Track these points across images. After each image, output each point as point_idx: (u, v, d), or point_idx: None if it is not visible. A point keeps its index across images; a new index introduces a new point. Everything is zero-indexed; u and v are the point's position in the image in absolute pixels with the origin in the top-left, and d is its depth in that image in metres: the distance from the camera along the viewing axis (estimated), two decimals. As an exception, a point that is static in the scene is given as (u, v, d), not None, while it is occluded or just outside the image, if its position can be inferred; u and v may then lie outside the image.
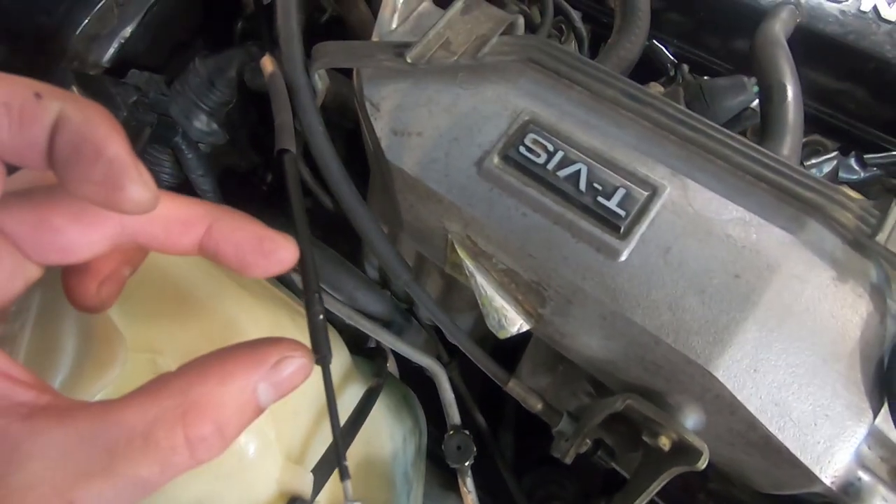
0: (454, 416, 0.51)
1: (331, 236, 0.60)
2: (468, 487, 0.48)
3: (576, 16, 0.54)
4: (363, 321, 0.52)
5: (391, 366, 0.60)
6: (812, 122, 0.58)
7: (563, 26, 0.59)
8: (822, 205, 0.31)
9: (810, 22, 0.51)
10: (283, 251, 0.24)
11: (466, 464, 0.47)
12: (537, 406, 0.42)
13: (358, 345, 0.59)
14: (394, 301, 0.57)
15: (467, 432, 0.48)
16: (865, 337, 0.30)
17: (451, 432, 0.48)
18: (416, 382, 0.59)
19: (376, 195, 0.50)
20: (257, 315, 0.32)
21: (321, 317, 0.25)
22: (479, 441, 0.60)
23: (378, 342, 0.57)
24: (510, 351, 0.48)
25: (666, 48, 0.59)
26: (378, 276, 0.60)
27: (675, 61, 0.56)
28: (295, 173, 0.31)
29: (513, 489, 0.59)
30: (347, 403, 0.40)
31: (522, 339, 0.46)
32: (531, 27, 0.56)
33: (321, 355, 0.24)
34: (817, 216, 0.31)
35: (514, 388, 0.42)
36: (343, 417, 0.40)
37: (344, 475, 0.22)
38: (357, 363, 0.49)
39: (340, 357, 0.43)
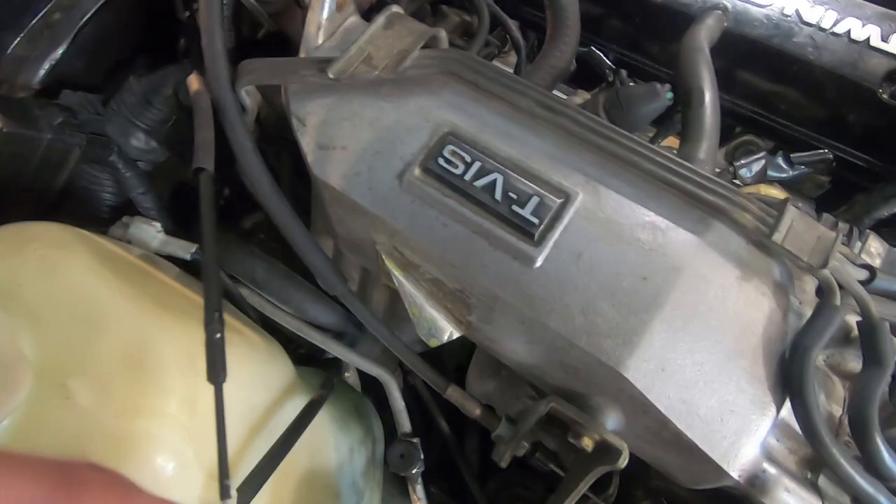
0: (404, 423, 0.51)
1: (291, 250, 0.60)
2: (418, 495, 0.49)
3: (514, 25, 0.55)
4: (311, 332, 0.52)
5: (352, 375, 0.61)
6: (747, 123, 0.60)
7: (508, 36, 0.60)
8: (725, 207, 0.32)
9: (737, 26, 0.52)
10: None
11: (414, 471, 0.47)
12: (475, 412, 0.42)
13: (315, 356, 0.59)
14: (346, 312, 0.57)
15: (415, 440, 0.48)
16: (768, 333, 0.31)
17: (396, 442, 0.48)
18: (379, 392, 0.59)
19: (318, 209, 0.50)
20: (175, 333, 0.32)
21: (218, 335, 0.25)
22: (444, 447, 0.60)
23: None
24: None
25: (606, 55, 0.60)
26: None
27: (614, 67, 0.57)
28: (209, 191, 0.31)
29: (475, 492, 0.59)
30: (287, 416, 0.40)
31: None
32: (471, 36, 0.57)
33: (215, 374, 0.24)
34: (722, 218, 0.32)
35: (452, 394, 0.42)
36: (281, 431, 0.40)
37: (224, 495, 0.22)
38: (305, 375, 0.49)
39: (281, 369, 0.43)
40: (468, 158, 0.35)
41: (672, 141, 0.53)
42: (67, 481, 0.15)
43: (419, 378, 0.58)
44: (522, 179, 0.34)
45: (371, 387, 0.60)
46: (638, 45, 0.61)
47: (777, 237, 0.30)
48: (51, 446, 0.27)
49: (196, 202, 0.60)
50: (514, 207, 0.33)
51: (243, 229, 0.61)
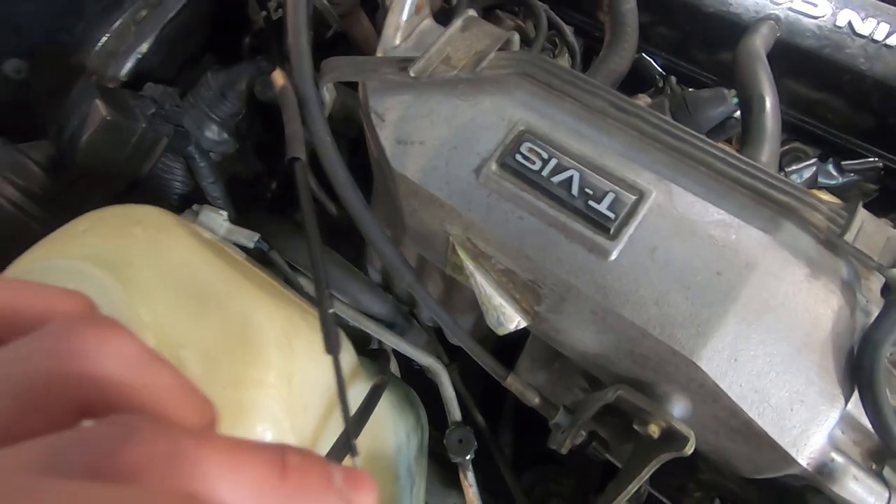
0: (455, 412, 0.53)
1: (334, 241, 0.62)
2: (469, 481, 0.50)
3: (568, 30, 0.57)
4: (368, 322, 0.54)
5: (392, 367, 0.62)
6: (793, 131, 0.61)
7: (557, 40, 0.62)
8: (796, 207, 0.33)
9: (789, 36, 0.54)
10: None
11: (468, 457, 0.49)
12: (534, 400, 0.44)
13: (360, 346, 0.61)
14: (396, 303, 0.59)
15: (469, 427, 0.50)
16: (837, 329, 0.32)
17: (453, 427, 0.50)
18: (416, 384, 0.61)
19: (380, 201, 0.52)
20: (271, 311, 0.34)
21: (331, 311, 0.27)
22: (479, 440, 0.62)
23: (380, 344, 0.59)
24: (508, 350, 0.50)
25: (654, 60, 0.62)
26: (381, 279, 0.62)
27: (664, 73, 0.59)
28: (305, 181, 0.33)
29: (512, 486, 0.61)
30: (353, 400, 0.42)
31: (520, 339, 0.48)
32: (526, 41, 0.59)
33: (331, 346, 0.26)
34: (792, 218, 0.34)
35: (512, 383, 0.44)
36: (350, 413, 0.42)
37: (354, 454, 0.24)
38: (361, 363, 0.51)
39: (347, 355, 0.45)
40: (545, 155, 0.36)
41: (725, 146, 0.54)
42: (282, 462, 0.16)
43: (455, 371, 0.59)
44: (598, 176, 0.35)
45: (408, 379, 0.62)
46: (685, 51, 0.62)
47: (849, 237, 0.32)
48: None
49: (244, 194, 0.63)
50: (591, 203, 0.35)
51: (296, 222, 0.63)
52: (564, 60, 0.62)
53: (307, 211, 0.31)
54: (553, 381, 0.49)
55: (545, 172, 0.36)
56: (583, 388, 0.48)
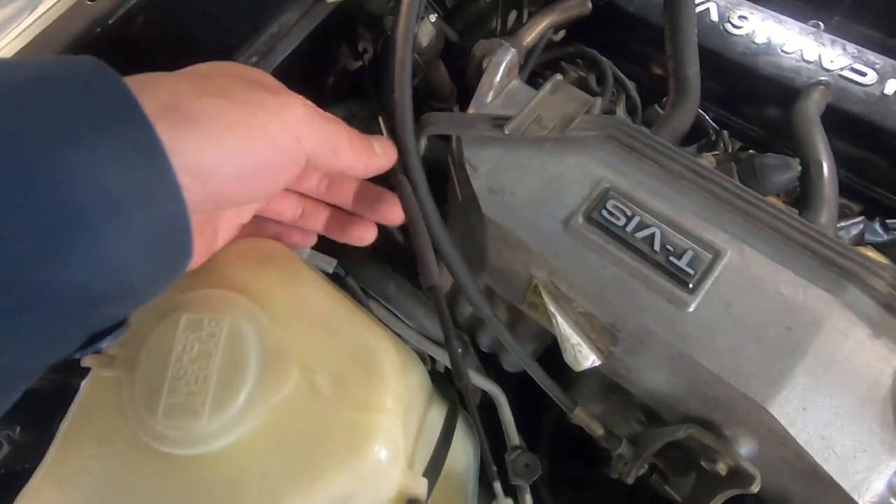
0: (514, 436, 0.56)
1: (392, 267, 0.66)
2: (528, 503, 0.53)
3: (631, 86, 0.62)
4: (433, 348, 0.58)
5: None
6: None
7: (615, 90, 0.67)
8: (859, 272, 0.37)
9: (837, 101, 0.58)
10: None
11: (530, 482, 0.52)
12: (599, 432, 0.47)
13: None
14: (457, 330, 0.63)
15: (535, 454, 0.53)
16: (896, 385, 0.36)
17: (519, 451, 0.53)
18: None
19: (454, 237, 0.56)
20: (386, 341, 0.38)
21: (460, 350, 0.31)
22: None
23: (433, 365, 0.63)
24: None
25: (706, 114, 0.66)
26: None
27: (717, 128, 0.63)
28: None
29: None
30: (435, 421, 0.46)
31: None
32: (585, 91, 0.63)
33: (464, 382, 0.30)
34: (854, 281, 0.37)
35: (579, 414, 0.48)
36: (433, 433, 0.45)
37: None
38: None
39: (426, 377, 0.49)
40: (629, 212, 0.41)
41: (774, 200, 0.58)
42: (348, 135, 0.37)
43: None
44: (677, 234, 0.40)
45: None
46: (734, 105, 0.67)
47: (910, 303, 0.35)
48: (300, 431, 0.33)
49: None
50: (671, 259, 0.39)
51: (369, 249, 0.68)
52: (621, 110, 0.67)
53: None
54: (609, 413, 0.52)
55: (629, 228, 0.40)
56: (640, 420, 0.51)
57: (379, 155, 0.38)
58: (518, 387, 0.62)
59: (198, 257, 0.34)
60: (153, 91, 0.25)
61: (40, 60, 0.23)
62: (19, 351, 0.21)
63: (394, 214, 0.43)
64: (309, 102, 0.33)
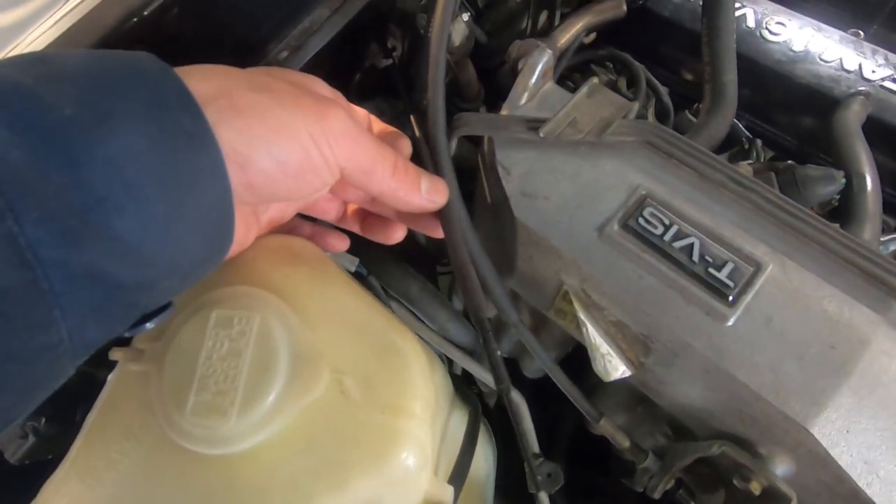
0: (534, 444, 0.55)
1: (414, 268, 0.66)
2: (546, 513, 0.52)
3: (664, 91, 0.60)
4: (454, 351, 0.57)
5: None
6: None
7: (647, 95, 0.65)
8: (907, 291, 0.36)
9: (877, 112, 0.56)
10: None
11: (551, 493, 0.51)
12: (625, 444, 0.46)
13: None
14: (477, 334, 0.62)
15: (557, 464, 0.52)
16: (944, 409, 0.34)
17: (541, 460, 0.52)
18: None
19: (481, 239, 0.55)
20: (415, 345, 0.37)
21: (499, 353, 0.30)
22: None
23: (451, 367, 0.62)
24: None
25: (739, 122, 0.65)
26: (462, 308, 0.65)
27: (750, 136, 0.62)
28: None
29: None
30: (457, 426, 0.45)
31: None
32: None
33: (503, 385, 0.29)
34: (901, 300, 0.36)
35: (604, 425, 0.47)
36: (455, 438, 0.45)
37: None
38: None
39: (449, 382, 0.48)
40: (667, 221, 0.39)
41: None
42: (394, 164, 0.35)
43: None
44: (717, 245, 0.38)
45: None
46: (768, 114, 0.65)
47: (961, 324, 0.34)
48: (328, 434, 0.32)
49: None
50: (711, 270, 0.38)
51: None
52: (651, 116, 0.66)
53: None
54: (634, 425, 0.51)
55: (667, 237, 0.39)
56: (665, 434, 0.50)
57: (422, 196, 0.35)
58: (535, 393, 0.61)
59: (237, 245, 0.34)
60: (204, 81, 0.26)
61: (93, 52, 0.24)
62: (74, 327, 0.21)
63: (440, 229, 0.41)
64: (356, 118, 0.33)
